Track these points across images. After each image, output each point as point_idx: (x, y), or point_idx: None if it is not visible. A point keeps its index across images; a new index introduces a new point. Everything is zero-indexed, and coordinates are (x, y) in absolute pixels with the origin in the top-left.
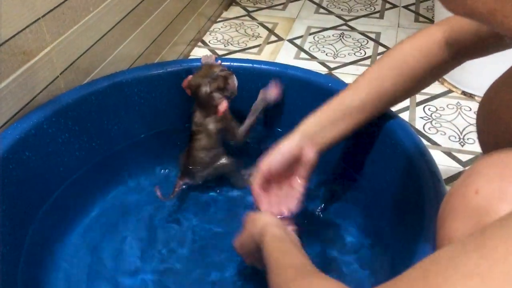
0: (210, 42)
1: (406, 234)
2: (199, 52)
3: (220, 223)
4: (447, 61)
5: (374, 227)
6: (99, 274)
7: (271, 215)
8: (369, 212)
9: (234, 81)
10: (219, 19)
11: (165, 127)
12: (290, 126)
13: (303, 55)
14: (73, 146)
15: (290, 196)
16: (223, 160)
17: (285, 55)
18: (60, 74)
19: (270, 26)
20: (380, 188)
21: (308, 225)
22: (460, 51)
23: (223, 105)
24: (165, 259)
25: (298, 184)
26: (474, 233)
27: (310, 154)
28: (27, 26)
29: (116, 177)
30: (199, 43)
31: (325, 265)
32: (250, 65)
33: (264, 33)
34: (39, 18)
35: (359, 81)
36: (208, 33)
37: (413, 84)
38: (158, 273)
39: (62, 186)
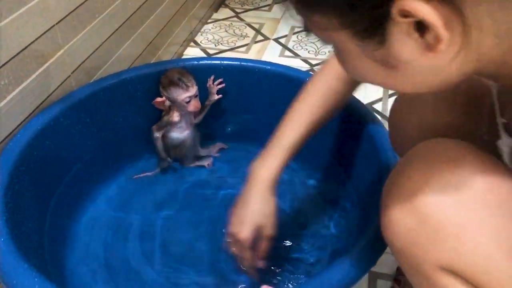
0: (202, 42)
1: None
2: (192, 52)
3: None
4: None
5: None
6: (115, 241)
7: None
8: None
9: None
10: (209, 21)
11: None
12: None
13: (287, 53)
14: (85, 136)
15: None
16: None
17: (271, 54)
18: (71, 73)
19: (257, 26)
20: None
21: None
22: None
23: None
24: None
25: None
26: None
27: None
28: (44, 33)
29: (122, 161)
30: (192, 43)
31: None
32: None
33: (251, 33)
34: (54, 25)
35: (294, 117)
36: (199, 33)
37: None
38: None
39: (77, 169)
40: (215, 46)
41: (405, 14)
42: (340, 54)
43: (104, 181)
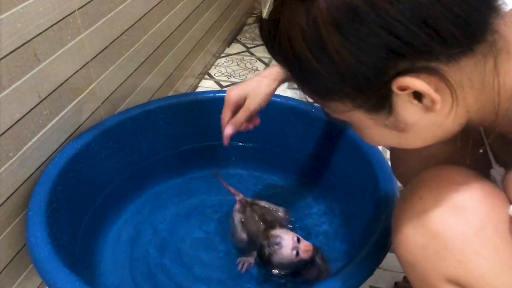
0: (215, 75)
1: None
2: (206, 84)
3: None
4: None
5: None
6: (138, 252)
7: None
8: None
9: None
10: (222, 55)
11: (183, 147)
12: None
13: (295, 85)
14: (113, 160)
15: None
16: None
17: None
18: (101, 104)
19: (266, 60)
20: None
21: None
22: None
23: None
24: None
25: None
26: None
27: None
28: (80, 69)
29: (146, 184)
30: (206, 76)
31: None
32: None
33: (261, 66)
34: (88, 62)
35: None
36: (213, 67)
37: None
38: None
39: (106, 190)
40: (228, 78)
41: (403, 88)
42: (356, 128)
43: (130, 199)
